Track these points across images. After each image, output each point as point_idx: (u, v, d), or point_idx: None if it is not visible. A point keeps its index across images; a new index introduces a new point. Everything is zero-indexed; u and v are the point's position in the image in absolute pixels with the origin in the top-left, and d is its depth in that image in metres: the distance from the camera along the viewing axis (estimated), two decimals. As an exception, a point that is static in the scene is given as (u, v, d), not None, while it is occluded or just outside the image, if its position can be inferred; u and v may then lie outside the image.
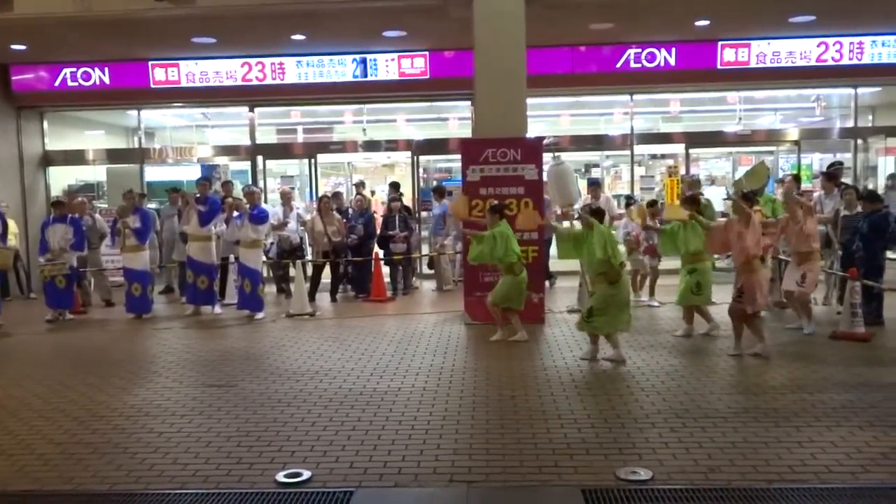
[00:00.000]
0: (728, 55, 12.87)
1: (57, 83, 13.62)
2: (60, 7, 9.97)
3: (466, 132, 13.55)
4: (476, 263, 8.88)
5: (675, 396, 6.01)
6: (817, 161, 14.45)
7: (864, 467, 4.48)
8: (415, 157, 14.21)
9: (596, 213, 7.60)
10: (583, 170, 15.33)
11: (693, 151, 14.20)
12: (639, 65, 12.98)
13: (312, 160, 14.38)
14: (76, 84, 13.60)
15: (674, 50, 12.90)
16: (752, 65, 12.90)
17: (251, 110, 14.15)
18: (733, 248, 7.38)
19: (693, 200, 8.56)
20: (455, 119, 14.87)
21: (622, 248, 12.57)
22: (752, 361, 7.10)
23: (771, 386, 6.23)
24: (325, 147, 14.91)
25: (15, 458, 4.98)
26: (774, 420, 5.34)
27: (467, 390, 6.34)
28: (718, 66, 12.92)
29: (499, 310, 8.38)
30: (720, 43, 12.79)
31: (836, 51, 12.74)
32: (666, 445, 4.90)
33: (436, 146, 14.68)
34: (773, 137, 14.33)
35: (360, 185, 13.36)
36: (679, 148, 14.23)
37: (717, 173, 15.77)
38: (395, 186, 13.12)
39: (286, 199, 12.10)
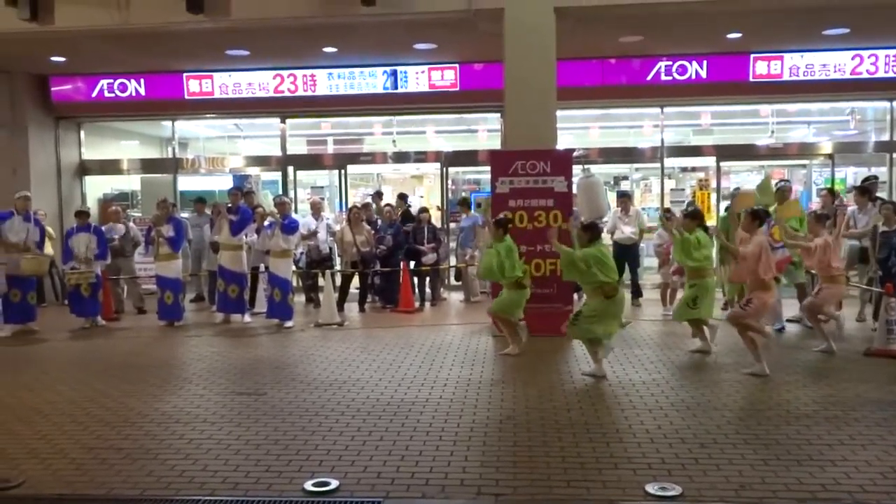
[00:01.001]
0: (760, 68, 12.74)
1: (94, 94, 13.89)
2: (99, 20, 10.20)
3: (496, 144, 13.58)
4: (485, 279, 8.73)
5: (704, 412, 5.94)
6: (851, 175, 14.24)
7: (899, 487, 4.40)
8: (444, 169, 14.26)
9: (588, 228, 7.48)
10: (612, 182, 15.27)
11: (724, 164, 14.06)
12: (669, 77, 12.90)
13: (342, 171, 14.49)
14: (113, 95, 13.86)
15: (705, 62, 12.80)
16: (785, 77, 12.75)
17: (283, 121, 14.31)
18: (742, 268, 7.24)
19: (695, 216, 8.46)
20: (484, 131, 14.90)
21: (648, 262, 12.63)
22: (784, 378, 6.99)
23: (803, 403, 6.14)
24: (355, 158, 15.01)
25: (48, 462, 5.07)
26: (807, 437, 5.26)
27: (495, 402, 6.33)
28: (750, 79, 12.80)
29: (503, 320, 8.37)
30: (752, 55, 12.67)
31: (872, 63, 12.56)
32: (696, 461, 4.85)
33: (465, 158, 14.69)
34: (806, 151, 14.14)
35: (378, 195, 13.29)
36: (710, 161, 14.10)
37: (749, 187, 15.59)
38: (402, 197, 13.16)
39: (316, 209, 12.20)
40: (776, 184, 10.39)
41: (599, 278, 7.08)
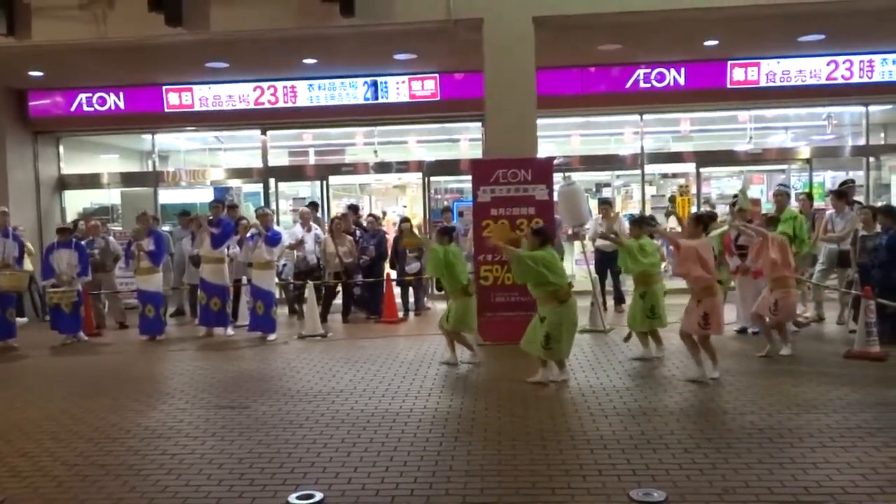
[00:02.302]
0: (738, 74, 12.90)
1: (73, 108, 13.81)
2: (77, 34, 10.14)
3: (477, 153, 13.63)
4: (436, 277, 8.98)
5: (688, 417, 5.98)
6: (829, 179, 14.41)
7: (881, 489, 4.43)
8: (426, 178, 14.28)
9: (538, 233, 7.47)
10: (593, 189, 15.35)
11: (704, 170, 14.19)
12: (648, 85, 13.03)
13: (324, 182, 14.47)
14: (91, 109, 13.78)
15: (683, 70, 12.94)
16: (762, 84, 12.92)
17: (263, 133, 14.28)
18: (691, 272, 7.16)
19: (641, 221, 8.49)
20: (466, 140, 14.95)
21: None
22: (764, 381, 7.05)
23: (784, 406, 6.18)
24: (337, 169, 15.02)
25: (29, 480, 5.01)
26: (789, 441, 5.30)
27: (479, 411, 6.33)
28: (728, 86, 12.95)
29: (453, 334, 8.38)
30: (729, 62, 12.83)
31: (847, 69, 12.74)
32: (679, 467, 4.86)
33: (447, 167, 14.73)
34: (784, 156, 14.31)
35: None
36: (690, 167, 14.23)
37: (729, 192, 15.74)
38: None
39: (305, 220, 12.16)
40: (777, 187, 10.42)
41: (549, 279, 7.08)
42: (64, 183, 14.65)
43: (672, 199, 13.60)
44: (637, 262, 8.11)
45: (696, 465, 4.87)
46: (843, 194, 10.21)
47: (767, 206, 13.66)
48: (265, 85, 13.40)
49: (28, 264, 11.21)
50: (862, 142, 13.82)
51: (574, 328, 7.37)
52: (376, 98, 13.36)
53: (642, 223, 8.46)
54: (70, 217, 14.21)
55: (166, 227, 13.41)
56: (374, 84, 13.29)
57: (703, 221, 7.49)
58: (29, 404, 7.08)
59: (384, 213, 16.51)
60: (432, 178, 14.50)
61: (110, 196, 15.29)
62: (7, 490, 4.83)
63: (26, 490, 4.84)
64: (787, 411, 6.03)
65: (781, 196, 9.83)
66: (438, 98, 13.29)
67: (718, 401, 6.44)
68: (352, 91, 13.37)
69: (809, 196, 11.37)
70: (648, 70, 12.97)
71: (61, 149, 14.63)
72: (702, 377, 7.06)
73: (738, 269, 9.27)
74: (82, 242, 10.97)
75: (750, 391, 6.73)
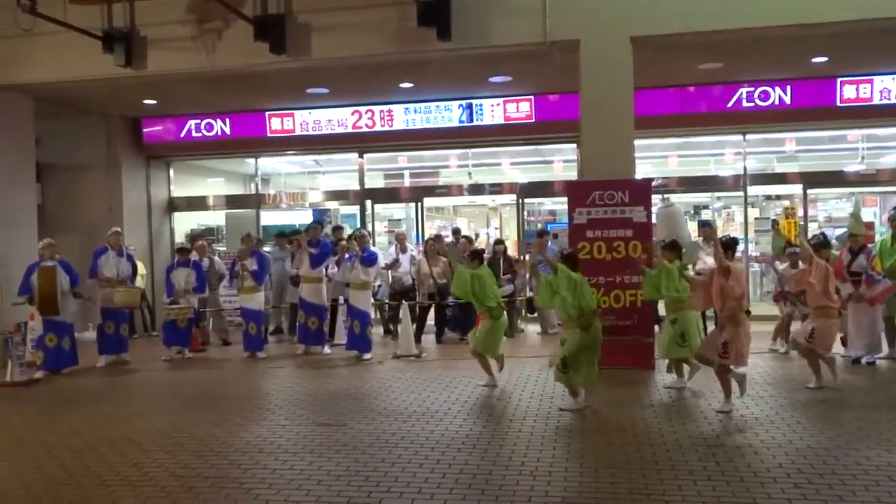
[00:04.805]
0: (848, 92, 12.30)
1: (183, 134, 14.49)
2: (188, 64, 10.67)
3: (571, 175, 13.50)
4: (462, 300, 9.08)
5: (797, 450, 5.68)
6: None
7: None
8: (520, 200, 14.25)
9: (568, 258, 7.33)
10: (692, 211, 14.93)
11: (811, 192, 13.58)
12: (751, 104, 12.60)
13: (419, 204, 14.66)
14: (200, 135, 14.43)
15: (789, 88, 12.45)
16: (875, 101, 12.27)
17: (360, 156, 14.59)
18: (716, 301, 6.90)
19: (673, 247, 8.12)
20: (560, 161, 14.85)
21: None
22: (883, 415, 6.64)
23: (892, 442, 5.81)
24: (431, 191, 15.20)
25: (140, 490, 5.23)
26: (911, 479, 4.97)
27: (574, 435, 6.22)
28: (838, 104, 12.37)
29: (479, 357, 8.34)
30: (839, 79, 12.26)
31: (970, 83, 11.98)
32: (789, 502, 4.62)
33: (540, 189, 14.68)
34: (900, 176, 13.54)
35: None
36: (796, 188, 13.66)
37: (838, 214, 15.02)
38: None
39: (401, 241, 12.36)
40: (891, 211, 9.84)
41: (569, 301, 6.96)
42: (174, 205, 15.37)
43: (775, 223, 13.12)
44: (657, 290, 7.91)
45: (806, 501, 4.62)
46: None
47: (881, 230, 13.04)
48: (363, 109, 13.70)
49: (139, 283, 11.78)
50: None
51: (595, 356, 7.13)
52: (471, 121, 13.44)
53: (674, 248, 8.13)
54: (178, 238, 14.85)
55: (266, 248, 13.84)
56: (469, 107, 13.39)
57: (730, 246, 7.11)
58: (139, 417, 7.41)
59: (477, 235, 16.57)
60: (526, 200, 14.46)
61: (216, 217, 15.95)
62: (119, 499, 5.06)
63: (137, 499, 5.06)
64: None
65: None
66: (533, 120, 13.24)
67: (819, 437, 6.07)
68: (447, 114, 13.51)
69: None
70: (752, 89, 12.55)
71: (171, 173, 15.37)
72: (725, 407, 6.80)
73: (851, 297, 8.82)
74: (199, 261, 11.48)
75: (866, 424, 6.34)
